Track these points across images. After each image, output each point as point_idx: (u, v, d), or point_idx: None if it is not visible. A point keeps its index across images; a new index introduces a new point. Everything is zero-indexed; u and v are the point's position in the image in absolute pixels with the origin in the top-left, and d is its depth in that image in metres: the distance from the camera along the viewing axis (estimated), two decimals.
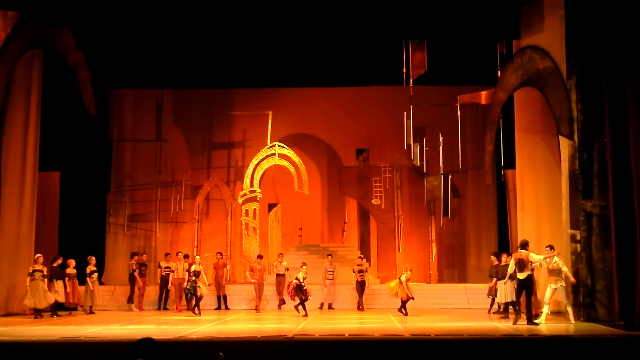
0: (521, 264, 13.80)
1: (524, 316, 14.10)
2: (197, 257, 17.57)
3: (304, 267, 17.14)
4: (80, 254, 17.68)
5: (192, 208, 22.22)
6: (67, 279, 16.86)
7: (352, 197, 22.58)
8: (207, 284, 17.09)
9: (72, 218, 19.66)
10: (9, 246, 16.48)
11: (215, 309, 18.61)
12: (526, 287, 13.86)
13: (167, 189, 22.31)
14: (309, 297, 16.49)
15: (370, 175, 21.83)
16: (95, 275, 17.43)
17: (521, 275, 13.81)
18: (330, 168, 23.11)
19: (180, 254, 18.63)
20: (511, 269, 14.04)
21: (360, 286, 17.94)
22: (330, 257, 19.00)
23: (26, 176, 17.34)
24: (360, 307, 18.03)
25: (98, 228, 21.59)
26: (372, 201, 21.77)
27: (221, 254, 19.47)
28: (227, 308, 18.60)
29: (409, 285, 16.30)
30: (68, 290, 16.81)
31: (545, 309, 14.18)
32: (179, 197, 21.98)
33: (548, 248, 14.34)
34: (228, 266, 19.94)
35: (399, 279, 16.48)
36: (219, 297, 18.74)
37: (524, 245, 14.04)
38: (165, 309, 18.33)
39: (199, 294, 16.47)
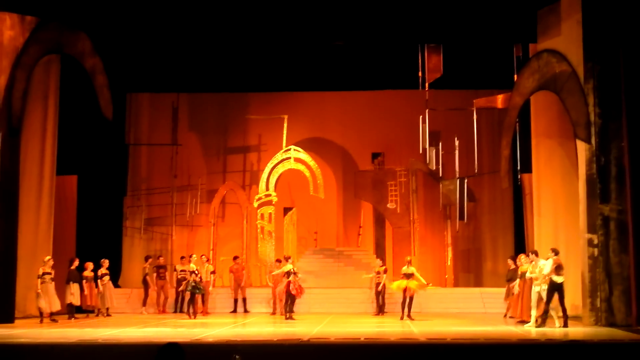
0: (559, 268, 13.86)
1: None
2: (194, 256, 17.53)
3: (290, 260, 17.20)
4: (98, 257, 17.77)
5: (207, 212, 22.35)
6: (84, 281, 16.99)
7: (368, 201, 22.59)
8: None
9: (89, 221, 19.71)
10: (27, 249, 16.57)
11: (231, 312, 18.63)
12: (560, 291, 13.96)
13: (183, 192, 22.39)
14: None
15: (385, 179, 21.84)
16: (107, 277, 17.53)
17: (559, 279, 13.86)
18: (345, 172, 23.11)
19: (204, 257, 18.64)
20: (548, 271, 13.92)
21: (377, 288, 17.84)
22: (380, 261, 18.56)
23: (44, 180, 17.46)
24: (377, 311, 17.83)
25: (115, 231, 21.69)
26: (388, 205, 21.77)
27: (238, 257, 19.48)
28: (246, 311, 18.66)
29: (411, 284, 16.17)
30: (85, 292, 16.96)
31: (534, 313, 14.35)
32: (195, 201, 22.07)
33: (534, 254, 14.63)
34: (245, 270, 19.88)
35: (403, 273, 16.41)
36: (235, 301, 18.80)
37: (558, 252, 14.15)
38: (181, 311, 18.36)
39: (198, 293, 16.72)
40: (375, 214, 22.56)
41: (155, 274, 18.88)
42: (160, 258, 19.76)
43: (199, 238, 22.61)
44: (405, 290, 16.31)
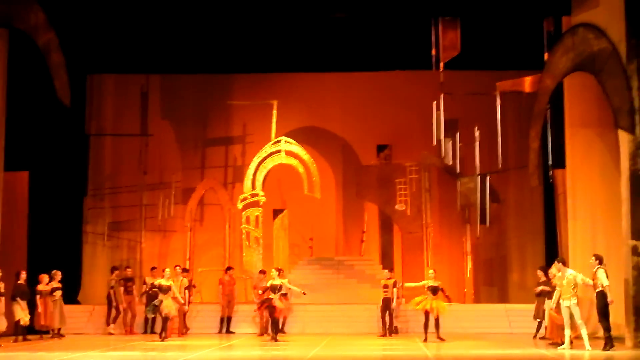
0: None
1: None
2: (167, 270, 17.47)
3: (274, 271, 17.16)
4: (53, 268, 17.71)
5: (183, 214, 22.43)
6: (38, 297, 16.95)
7: (372, 202, 22.65)
8: (182, 302, 17.20)
9: (43, 226, 19.57)
10: None
11: (218, 333, 18.74)
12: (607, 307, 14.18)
13: (154, 192, 22.31)
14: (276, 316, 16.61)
15: (393, 176, 22.00)
16: (59, 293, 17.50)
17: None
18: (346, 168, 23.09)
19: (178, 268, 18.47)
20: (607, 282, 14.04)
21: (384, 305, 17.89)
22: (388, 272, 18.58)
23: None
24: (383, 331, 17.92)
25: (73, 238, 21.55)
26: (396, 207, 21.93)
27: (232, 268, 19.61)
28: (229, 331, 18.82)
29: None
30: (39, 310, 16.93)
31: (568, 333, 14.45)
32: (168, 201, 22.10)
33: (561, 263, 14.85)
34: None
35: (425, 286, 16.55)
36: (222, 320, 18.93)
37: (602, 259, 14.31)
38: (152, 332, 18.37)
39: (164, 314, 16.61)
40: (382, 217, 22.55)
41: (122, 288, 18.83)
42: (128, 269, 19.73)
43: (173, 245, 22.53)
44: (429, 311, 16.44)
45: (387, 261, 21.85)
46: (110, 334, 18.33)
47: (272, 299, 16.40)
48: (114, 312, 18.67)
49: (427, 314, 16.44)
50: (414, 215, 21.77)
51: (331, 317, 19.29)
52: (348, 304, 19.91)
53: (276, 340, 16.40)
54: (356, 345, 15.90)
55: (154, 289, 17.68)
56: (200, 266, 21.97)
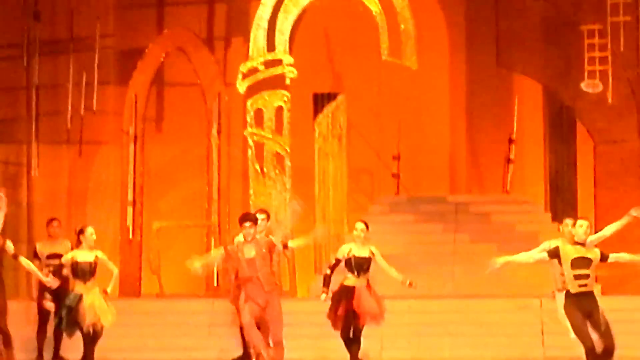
0: None
1: None
2: (89, 229, 11.11)
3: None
4: None
5: (121, 110, 15.04)
6: None
7: (528, 75, 15.33)
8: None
9: None
10: None
11: None
12: None
13: (53, 58, 15.06)
14: None
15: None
16: None
17: None
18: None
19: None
20: None
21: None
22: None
23: None
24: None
25: None
26: (582, 85, 14.06)
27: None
28: None
29: None
30: None
31: None
32: (90, 81, 14.67)
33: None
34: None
35: None
36: None
37: None
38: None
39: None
40: (549, 111, 15.35)
41: None
42: None
43: (98, 168, 15.33)
44: None
45: (561, 202, 14.87)
46: None
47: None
48: None
49: None
50: (623, 104, 13.93)
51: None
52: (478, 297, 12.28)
53: None
54: None
55: (49, 260, 12.55)
56: (156, 219, 14.71)
